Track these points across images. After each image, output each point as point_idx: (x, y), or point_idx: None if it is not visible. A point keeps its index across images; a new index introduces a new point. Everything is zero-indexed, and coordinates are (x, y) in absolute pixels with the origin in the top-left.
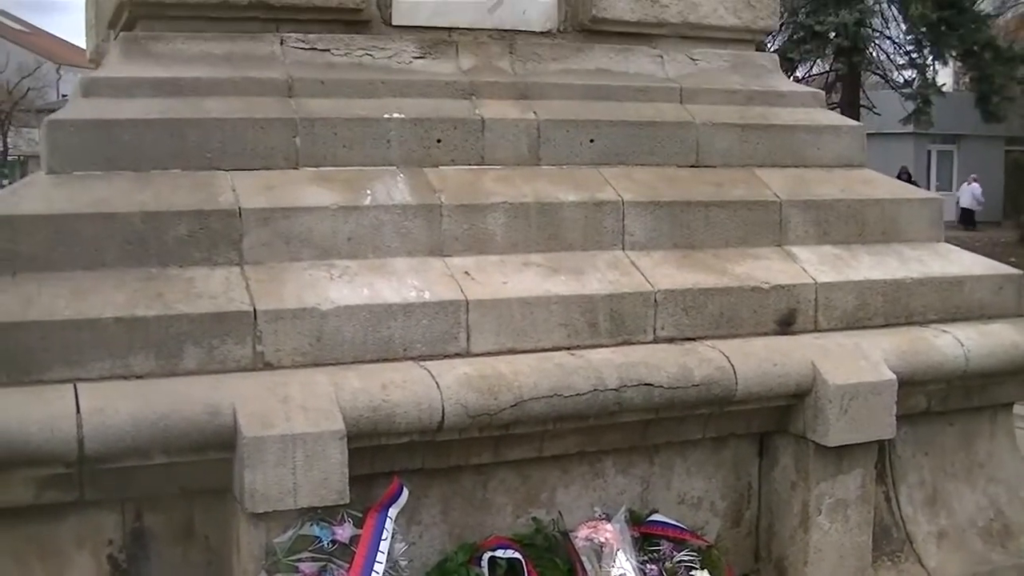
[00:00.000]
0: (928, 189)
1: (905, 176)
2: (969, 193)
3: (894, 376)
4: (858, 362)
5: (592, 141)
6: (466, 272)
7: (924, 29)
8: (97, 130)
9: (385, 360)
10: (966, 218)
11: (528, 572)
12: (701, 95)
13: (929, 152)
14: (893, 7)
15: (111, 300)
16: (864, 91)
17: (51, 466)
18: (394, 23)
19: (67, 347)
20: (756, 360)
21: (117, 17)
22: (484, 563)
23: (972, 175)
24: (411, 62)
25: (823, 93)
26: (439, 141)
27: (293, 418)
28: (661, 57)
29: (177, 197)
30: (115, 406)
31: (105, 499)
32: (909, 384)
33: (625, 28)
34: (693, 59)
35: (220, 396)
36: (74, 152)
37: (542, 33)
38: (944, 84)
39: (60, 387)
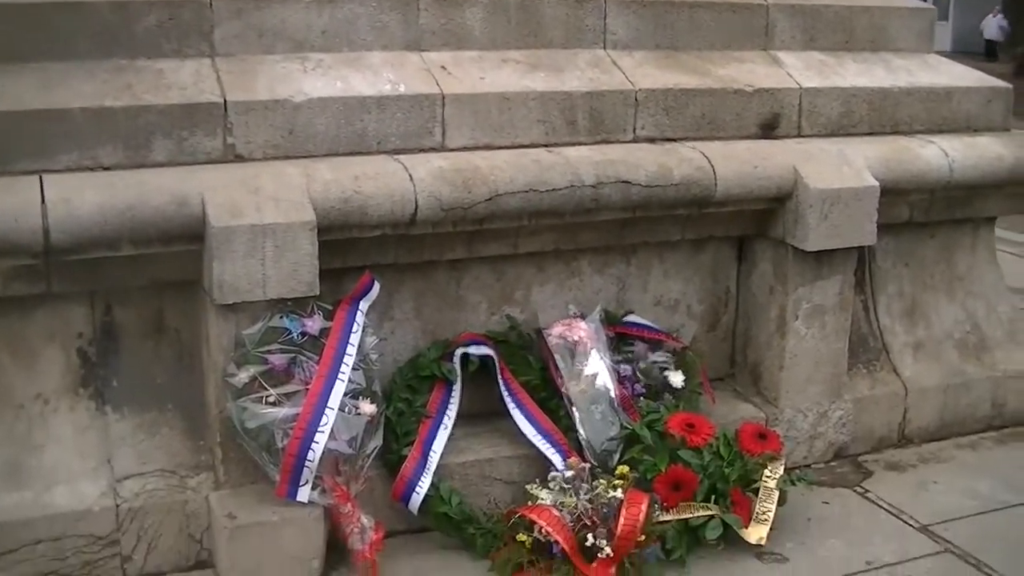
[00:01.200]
0: None
1: None
2: (995, 25)
3: (877, 183)
4: (841, 168)
5: None
6: (443, 67)
7: None
8: None
9: (358, 154)
10: (991, 50)
11: (500, 369)
12: None
13: None
14: None
15: (79, 91)
16: None
17: (17, 257)
18: None
19: (34, 138)
20: (737, 162)
21: None
22: (456, 359)
23: (996, 6)
24: None
25: None
26: None
27: (263, 209)
28: None
29: None
30: (82, 196)
31: (73, 292)
32: (892, 193)
33: None
34: None
35: (189, 187)
36: None
37: None
38: None
39: (26, 178)
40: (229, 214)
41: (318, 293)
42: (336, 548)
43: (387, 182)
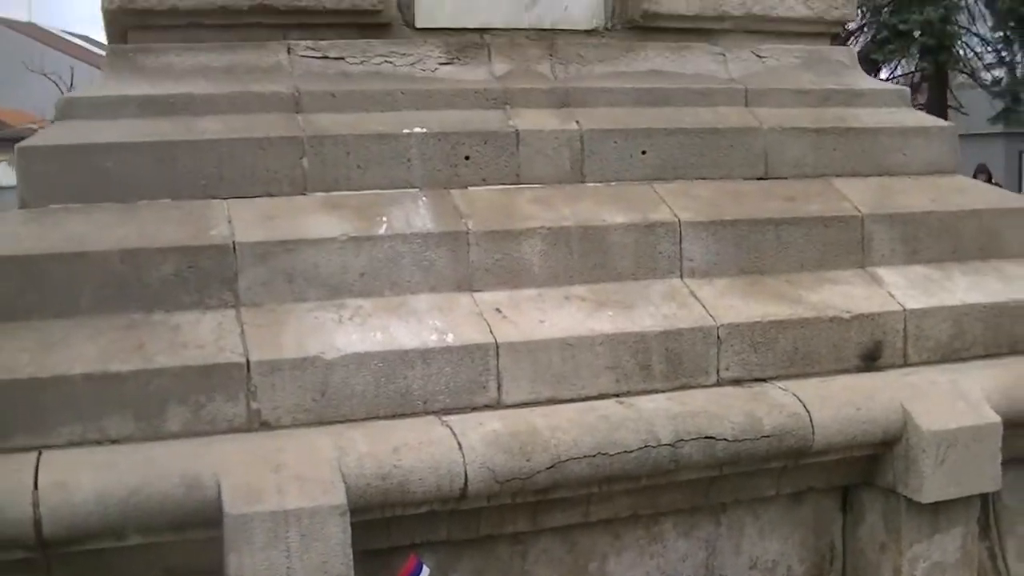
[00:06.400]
0: (1020, 192)
1: (984, 176)
2: None
3: (998, 418)
4: (955, 403)
5: (644, 153)
6: (497, 309)
7: (1013, 24)
8: (74, 157)
9: (402, 415)
10: None
11: None
12: (769, 96)
13: (1020, 153)
14: (980, 2)
15: (82, 353)
16: (951, 91)
17: (8, 551)
18: (418, 25)
19: (31, 410)
20: (836, 404)
21: (110, 29)
22: None
23: None
24: (436, 69)
25: (908, 90)
26: (467, 158)
27: (286, 490)
28: (723, 55)
29: (162, 232)
30: (78, 480)
31: None
32: (1016, 425)
33: (681, 23)
34: (759, 56)
35: (202, 465)
36: (49, 182)
37: (587, 32)
38: None
39: (22, 457)
40: (245, 498)
41: None
42: None
43: (431, 453)
